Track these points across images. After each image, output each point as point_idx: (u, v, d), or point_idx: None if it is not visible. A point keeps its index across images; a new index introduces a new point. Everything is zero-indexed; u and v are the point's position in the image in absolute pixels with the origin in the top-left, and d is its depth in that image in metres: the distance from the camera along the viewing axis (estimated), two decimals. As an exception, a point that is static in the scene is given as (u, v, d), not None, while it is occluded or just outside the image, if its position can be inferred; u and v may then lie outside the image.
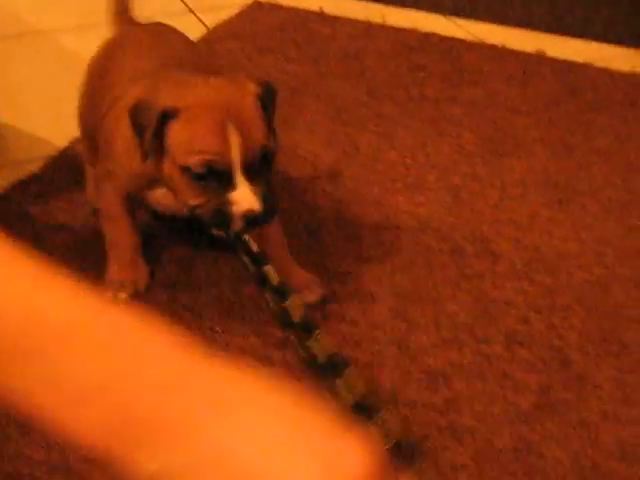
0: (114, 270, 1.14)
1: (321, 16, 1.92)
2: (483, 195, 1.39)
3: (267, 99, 1.02)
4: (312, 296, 1.13)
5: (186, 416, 0.47)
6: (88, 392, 0.47)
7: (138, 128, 0.97)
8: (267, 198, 0.97)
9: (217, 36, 1.81)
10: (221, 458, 0.46)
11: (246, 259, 1.04)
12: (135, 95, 1.00)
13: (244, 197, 0.96)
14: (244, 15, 1.91)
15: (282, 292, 1.02)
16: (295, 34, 1.84)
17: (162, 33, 1.22)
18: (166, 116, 0.96)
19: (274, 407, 0.46)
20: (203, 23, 1.88)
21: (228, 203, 0.96)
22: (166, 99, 0.96)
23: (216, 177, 0.96)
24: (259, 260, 1.03)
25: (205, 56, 1.28)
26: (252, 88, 1.00)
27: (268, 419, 0.46)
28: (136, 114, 0.97)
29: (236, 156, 0.95)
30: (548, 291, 1.20)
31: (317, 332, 0.99)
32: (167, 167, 0.99)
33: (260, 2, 1.97)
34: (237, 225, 0.97)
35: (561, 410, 1.03)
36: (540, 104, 1.66)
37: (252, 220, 0.97)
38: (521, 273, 1.23)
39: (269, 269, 1.03)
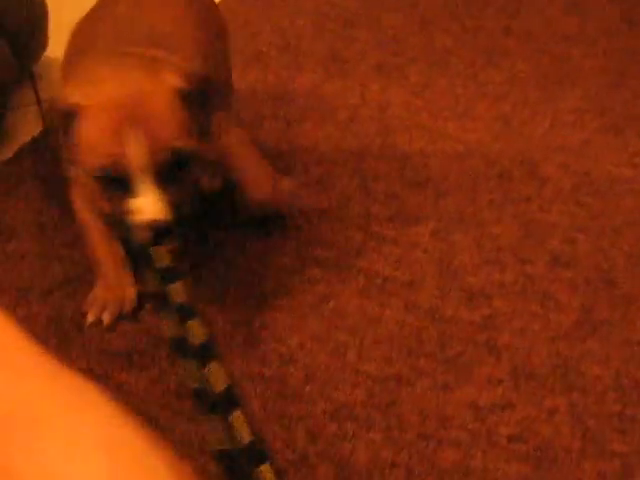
0: (98, 289, 1.03)
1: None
2: (534, 122, 1.37)
3: (196, 95, 0.90)
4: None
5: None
6: None
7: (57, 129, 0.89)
8: (179, 205, 0.88)
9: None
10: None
11: (148, 275, 0.89)
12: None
13: (145, 205, 0.86)
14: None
15: (186, 313, 0.82)
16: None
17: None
18: (71, 115, 0.86)
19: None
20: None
21: (129, 212, 0.87)
22: (72, 96, 0.87)
23: (119, 183, 0.86)
24: (165, 277, 0.86)
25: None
26: (171, 83, 0.88)
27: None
28: (50, 113, 0.91)
29: (135, 160, 0.84)
30: (596, 214, 1.19)
31: (214, 364, 0.76)
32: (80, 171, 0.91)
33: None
34: (141, 236, 0.88)
35: (603, 330, 1.02)
36: (596, 33, 1.62)
37: (160, 230, 0.87)
38: (569, 196, 1.21)
39: (175, 288, 0.85)
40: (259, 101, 1.38)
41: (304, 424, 0.89)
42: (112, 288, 1.02)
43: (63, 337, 0.99)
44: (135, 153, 0.84)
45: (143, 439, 0.47)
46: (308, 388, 0.93)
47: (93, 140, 0.85)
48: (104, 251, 1.03)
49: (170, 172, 0.87)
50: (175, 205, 0.87)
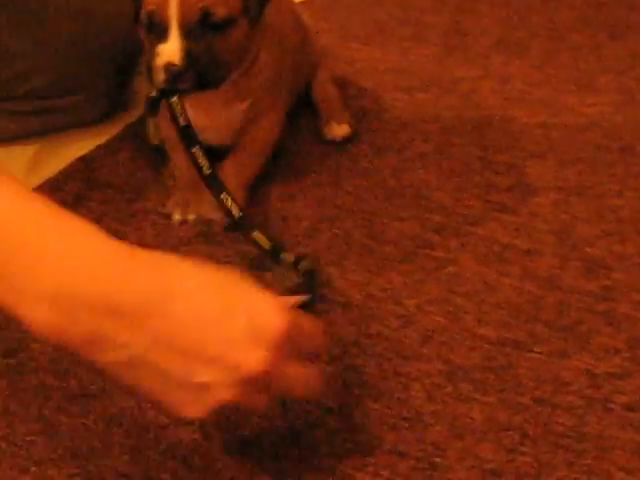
0: (179, 192, 1.13)
1: None
2: (658, 97, 1.35)
3: None
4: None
5: (135, 310, 0.62)
6: (44, 296, 0.61)
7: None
8: (197, 57, 0.98)
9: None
10: (170, 339, 0.62)
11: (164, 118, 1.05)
12: None
13: (168, 49, 0.98)
14: None
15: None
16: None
17: None
18: None
19: (206, 287, 0.64)
20: None
21: (156, 55, 0.99)
22: None
23: (157, 31, 0.99)
24: (184, 132, 1.03)
25: None
26: None
27: (202, 297, 0.63)
28: None
29: (172, 11, 0.97)
30: None
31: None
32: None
33: None
34: (158, 77, 0.99)
35: None
36: None
37: (174, 75, 0.98)
38: (694, 172, 1.19)
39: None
40: (380, 72, 1.40)
41: (420, 383, 0.90)
42: (193, 190, 1.11)
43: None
44: (173, 5, 0.97)
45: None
46: (425, 349, 0.94)
47: None
48: (185, 161, 1.10)
49: (200, 31, 0.98)
50: (193, 58, 0.98)
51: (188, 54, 0.98)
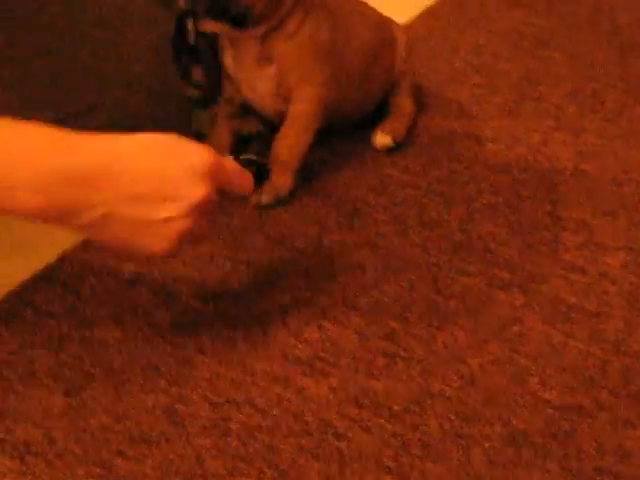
0: None
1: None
2: None
3: None
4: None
5: (97, 175, 0.81)
6: (30, 185, 0.80)
7: None
8: None
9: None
10: (129, 191, 0.82)
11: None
12: None
13: None
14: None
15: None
16: (546, -12, 1.82)
17: None
18: None
19: (145, 144, 0.85)
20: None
21: None
22: None
23: None
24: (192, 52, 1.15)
25: None
26: None
27: (144, 152, 0.83)
28: None
29: None
30: None
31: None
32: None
33: (514, -45, 1.96)
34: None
35: None
36: None
37: None
38: None
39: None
40: (452, 118, 1.39)
41: (481, 446, 0.90)
42: None
43: (248, 336, 1.02)
44: None
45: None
46: (487, 411, 0.93)
47: None
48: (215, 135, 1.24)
49: None
50: None
51: None
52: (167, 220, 0.83)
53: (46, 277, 1.12)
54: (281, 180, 1.20)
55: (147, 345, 1.02)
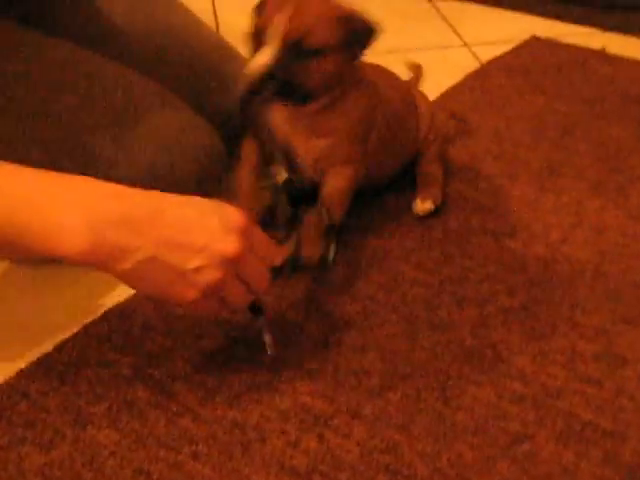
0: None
1: (602, 55, 1.87)
2: None
3: (356, 31, 1.13)
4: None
5: (141, 221, 0.88)
6: (78, 226, 0.87)
7: None
8: (282, 70, 1.09)
9: (490, 71, 1.80)
10: (168, 239, 0.89)
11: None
12: None
13: (260, 56, 1.09)
14: (520, 51, 1.89)
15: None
16: (572, 73, 1.79)
17: None
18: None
19: (186, 201, 0.92)
20: (476, 57, 1.87)
21: (250, 62, 1.10)
22: None
23: (259, 44, 1.10)
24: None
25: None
26: (336, 8, 1.13)
27: (184, 207, 0.91)
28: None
29: (273, 29, 1.09)
30: None
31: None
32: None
33: (538, 38, 1.94)
34: (247, 78, 1.09)
35: None
36: None
37: (259, 78, 1.08)
38: None
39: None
40: (468, 211, 1.36)
41: None
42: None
43: (245, 444, 0.99)
44: (275, 24, 1.09)
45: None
46: (492, 539, 0.89)
47: (263, 5, 1.13)
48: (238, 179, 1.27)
49: (294, 51, 1.09)
50: (278, 70, 1.09)
51: (275, 65, 1.08)
52: (198, 269, 0.91)
53: (43, 366, 1.09)
54: (310, 251, 1.20)
55: (140, 448, 0.99)
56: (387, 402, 1.04)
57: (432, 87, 1.69)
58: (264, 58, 1.09)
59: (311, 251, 1.20)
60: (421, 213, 1.34)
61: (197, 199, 0.93)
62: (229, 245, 0.91)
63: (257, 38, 1.11)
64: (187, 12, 1.47)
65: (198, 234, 0.90)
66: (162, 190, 1.00)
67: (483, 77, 1.77)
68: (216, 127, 1.34)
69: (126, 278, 0.92)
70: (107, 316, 1.17)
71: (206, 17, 1.97)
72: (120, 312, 1.17)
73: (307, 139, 1.22)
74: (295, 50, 1.09)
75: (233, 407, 1.03)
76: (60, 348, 1.12)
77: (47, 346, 1.12)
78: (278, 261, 1.05)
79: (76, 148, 1.20)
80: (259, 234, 0.97)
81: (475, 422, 1.01)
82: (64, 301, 1.21)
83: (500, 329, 1.14)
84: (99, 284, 1.22)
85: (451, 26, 2.03)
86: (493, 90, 1.72)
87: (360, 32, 1.14)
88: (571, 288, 1.21)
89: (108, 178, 0.92)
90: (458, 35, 1.98)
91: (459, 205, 1.37)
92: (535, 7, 2.10)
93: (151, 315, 1.17)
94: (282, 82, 1.10)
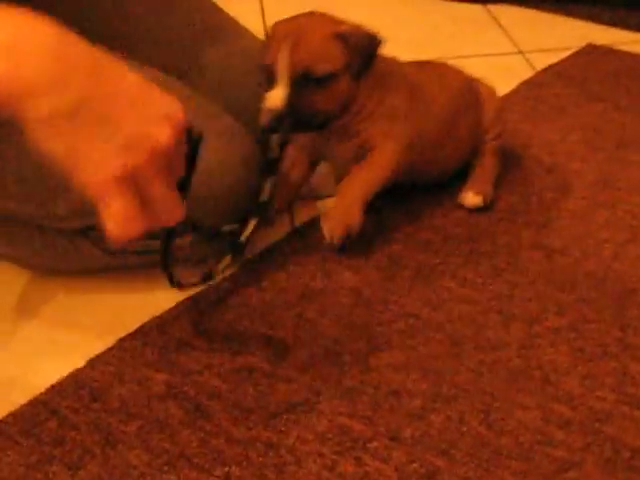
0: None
1: (662, 64, 1.82)
2: None
3: (358, 45, 1.15)
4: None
5: (90, 63, 0.77)
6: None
7: None
8: (297, 104, 1.13)
9: (544, 79, 1.76)
10: (114, 86, 0.77)
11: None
12: None
13: (273, 95, 1.13)
14: (575, 58, 1.84)
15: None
16: (629, 81, 1.74)
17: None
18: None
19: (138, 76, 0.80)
20: (531, 64, 1.83)
21: (264, 100, 1.14)
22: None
23: (270, 81, 1.14)
24: (271, 165, 1.22)
25: None
26: (336, 28, 1.15)
27: (135, 81, 0.80)
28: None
29: (281, 66, 1.12)
30: None
31: None
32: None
33: (594, 45, 1.89)
34: (262, 119, 1.14)
35: None
36: None
37: (275, 117, 1.13)
38: None
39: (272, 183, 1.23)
40: (519, 225, 1.32)
41: None
42: None
43: (280, 467, 0.96)
44: (282, 61, 1.12)
45: None
46: None
47: (270, 41, 1.17)
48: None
49: (304, 83, 1.13)
50: (294, 105, 1.13)
51: (289, 101, 1.12)
52: (126, 146, 0.77)
53: (74, 383, 1.08)
54: (351, 218, 1.22)
55: (172, 469, 0.97)
56: (428, 425, 1.01)
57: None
58: (276, 99, 1.13)
59: (281, 204, 1.32)
60: (468, 206, 1.35)
61: (155, 87, 0.82)
62: (163, 133, 0.79)
63: (268, 76, 1.15)
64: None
65: (139, 112, 0.78)
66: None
67: (537, 86, 1.73)
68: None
69: (34, 127, 0.74)
70: (142, 330, 1.15)
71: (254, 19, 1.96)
72: (156, 326, 1.16)
73: (341, 143, 1.25)
74: (305, 82, 1.13)
75: (268, 428, 1.01)
76: (93, 364, 1.11)
77: (79, 361, 1.11)
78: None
79: None
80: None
81: (519, 447, 0.98)
82: (98, 315, 1.19)
83: (548, 349, 1.10)
84: (134, 297, 1.21)
85: (506, 32, 1.98)
86: (547, 99, 1.68)
87: (363, 46, 1.16)
88: (623, 307, 1.17)
89: None
90: (513, 42, 1.93)
91: (509, 219, 1.33)
92: (592, 13, 2.05)
93: (188, 330, 1.15)
94: (299, 116, 1.14)
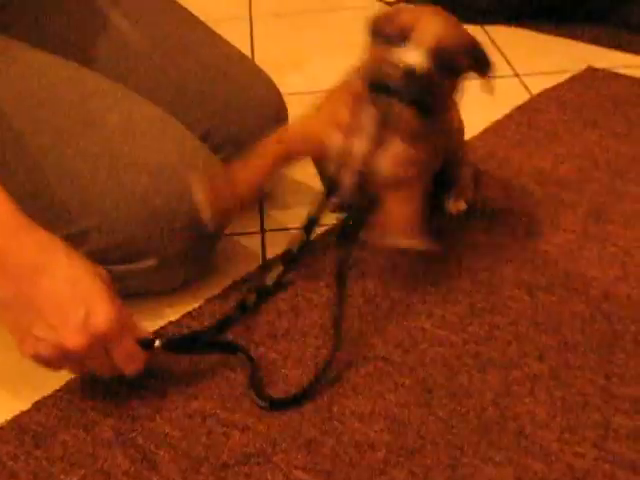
0: None
1: (664, 89, 1.74)
2: None
3: (479, 61, 1.11)
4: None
5: (15, 271, 0.92)
6: None
7: None
8: (425, 76, 1.04)
9: (540, 103, 1.69)
10: (30, 299, 0.92)
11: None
12: None
13: (409, 54, 1.03)
14: (574, 82, 1.77)
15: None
16: (629, 108, 1.66)
17: None
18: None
19: (69, 275, 0.93)
20: (527, 88, 1.76)
21: (389, 60, 1.05)
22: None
23: (396, 40, 1.05)
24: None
25: None
26: (469, 37, 1.10)
27: (61, 283, 0.92)
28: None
29: (421, 34, 1.04)
30: None
31: None
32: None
33: (594, 69, 1.81)
34: (389, 76, 1.04)
35: None
36: None
37: (402, 82, 1.03)
38: None
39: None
40: (503, 261, 1.25)
41: None
42: None
43: (231, 525, 0.89)
44: (423, 30, 1.05)
45: None
46: None
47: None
48: None
49: (435, 64, 1.05)
50: (419, 78, 1.04)
51: (422, 67, 1.04)
52: (39, 339, 0.93)
53: (18, 426, 1.01)
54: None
55: (112, 525, 0.89)
56: (390, 481, 0.93)
57: (479, 120, 1.58)
58: (416, 57, 1.04)
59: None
60: (455, 212, 1.34)
61: (87, 274, 0.95)
62: (74, 341, 0.92)
63: (394, 38, 1.06)
64: (204, 27, 1.38)
65: (57, 314, 0.92)
66: (154, 220, 1.07)
67: (532, 111, 1.65)
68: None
69: None
70: (95, 371, 1.08)
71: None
72: (110, 366, 1.09)
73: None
74: (436, 61, 1.05)
75: (218, 478, 0.94)
76: (39, 406, 1.04)
77: (26, 403, 1.04)
78: (136, 366, 1.01)
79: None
80: (126, 340, 0.98)
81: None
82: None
83: (526, 399, 1.03)
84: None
85: (502, 54, 1.91)
86: (541, 125, 1.61)
87: (482, 63, 1.12)
88: (608, 353, 1.09)
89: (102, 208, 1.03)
90: (509, 64, 1.86)
91: (491, 253, 1.26)
92: (592, 35, 1.97)
93: (143, 370, 1.08)
94: (420, 88, 1.05)
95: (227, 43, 1.35)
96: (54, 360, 0.95)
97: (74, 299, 0.92)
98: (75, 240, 1.07)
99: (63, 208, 1.10)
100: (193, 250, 1.15)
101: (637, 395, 1.03)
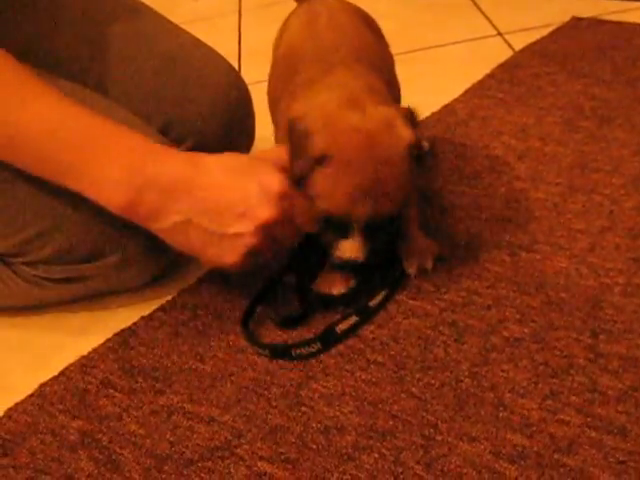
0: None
1: (650, 32, 1.56)
2: None
3: (417, 154, 0.91)
4: (427, 262, 1.02)
5: (177, 188, 0.87)
6: (121, 182, 0.86)
7: (293, 148, 0.90)
8: (376, 252, 0.92)
9: (522, 59, 1.52)
10: (205, 205, 0.87)
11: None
12: (297, 108, 0.92)
13: (350, 248, 0.91)
14: (558, 34, 1.60)
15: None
16: (614, 53, 1.49)
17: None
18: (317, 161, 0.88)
19: (222, 164, 0.89)
20: (510, 46, 1.59)
21: (335, 247, 0.92)
22: (319, 142, 0.87)
23: (336, 225, 0.91)
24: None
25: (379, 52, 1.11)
26: (406, 137, 0.89)
27: (220, 173, 0.88)
28: (293, 134, 0.89)
29: (360, 219, 0.89)
30: None
31: None
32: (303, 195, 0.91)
33: (579, 18, 1.64)
34: (334, 264, 0.94)
35: None
36: None
37: (351, 264, 0.92)
38: None
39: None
40: (484, 221, 1.10)
41: None
42: None
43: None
44: (364, 213, 0.88)
45: None
46: None
47: (334, 194, 0.88)
48: None
49: (381, 227, 0.91)
50: (373, 253, 0.92)
51: (371, 250, 0.92)
52: (237, 235, 0.87)
53: (-15, 434, 0.90)
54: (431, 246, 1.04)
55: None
56: (359, 467, 0.80)
57: (461, 83, 1.43)
58: (357, 252, 0.91)
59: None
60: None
61: (236, 159, 0.90)
62: (267, 212, 0.86)
63: (334, 222, 0.91)
64: (156, 17, 1.23)
65: (237, 201, 0.86)
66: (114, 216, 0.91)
67: (514, 67, 1.49)
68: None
69: (163, 235, 0.90)
70: (65, 373, 0.97)
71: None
72: (80, 367, 0.97)
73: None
74: (383, 225, 0.92)
75: (181, 475, 0.81)
76: (10, 414, 0.92)
77: (-1, 411, 0.93)
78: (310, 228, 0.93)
79: None
80: (297, 197, 0.90)
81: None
82: (21, 360, 1.01)
83: (505, 366, 0.88)
84: (58, 341, 1.03)
85: (485, 15, 1.75)
86: (524, 80, 1.45)
87: (421, 157, 0.92)
88: (595, 309, 0.94)
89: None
90: (492, 24, 1.70)
91: (472, 215, 1.11)
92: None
93: (113, 369, 0.96)
94: (374, 255, 0.93)
95: (182, 31, 1.20)
96: (262, 243, 0.88)
97: (241, 181, 0.87)
98: (35, 243, 0.98)
99: (20, 209, 0.98)
100: (157, 245, 1.01)
101: (626, 353, 0.88)
